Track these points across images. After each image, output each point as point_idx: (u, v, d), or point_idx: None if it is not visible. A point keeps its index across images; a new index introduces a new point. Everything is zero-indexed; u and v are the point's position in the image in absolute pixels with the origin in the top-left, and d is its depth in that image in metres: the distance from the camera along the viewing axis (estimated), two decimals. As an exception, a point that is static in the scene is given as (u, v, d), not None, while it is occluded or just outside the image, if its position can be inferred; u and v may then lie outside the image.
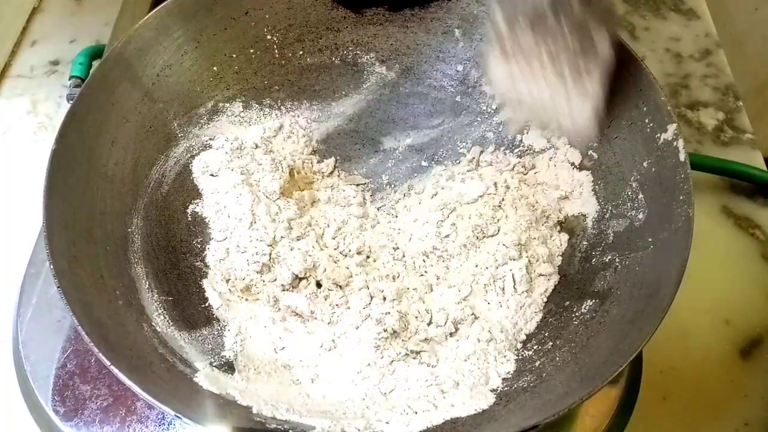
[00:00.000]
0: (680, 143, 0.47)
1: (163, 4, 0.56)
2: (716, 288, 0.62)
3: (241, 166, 0.59)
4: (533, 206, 0.56)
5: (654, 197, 0.49)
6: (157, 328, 0.49)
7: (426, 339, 0.51)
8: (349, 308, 0.53)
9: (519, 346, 0.51)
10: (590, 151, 0.55)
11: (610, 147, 0.53)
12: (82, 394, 0.53)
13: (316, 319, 0.53)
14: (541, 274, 0.53)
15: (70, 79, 0.71)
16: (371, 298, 0.53)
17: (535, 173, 0.59)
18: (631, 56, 0.51)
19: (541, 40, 0.48)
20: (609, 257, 0.51)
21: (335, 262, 0.56)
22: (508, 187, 0.57)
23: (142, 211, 0.55)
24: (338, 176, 0.62)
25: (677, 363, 0.58)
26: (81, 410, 0.52)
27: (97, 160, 0.52)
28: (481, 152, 0.61)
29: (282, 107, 0.64)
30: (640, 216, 0.50)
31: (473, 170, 0.60)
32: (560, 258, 0.54)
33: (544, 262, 0.53)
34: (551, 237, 0.55)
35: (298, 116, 0.64)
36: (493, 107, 0.62)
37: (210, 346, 0.51)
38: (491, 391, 0.47)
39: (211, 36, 0.59)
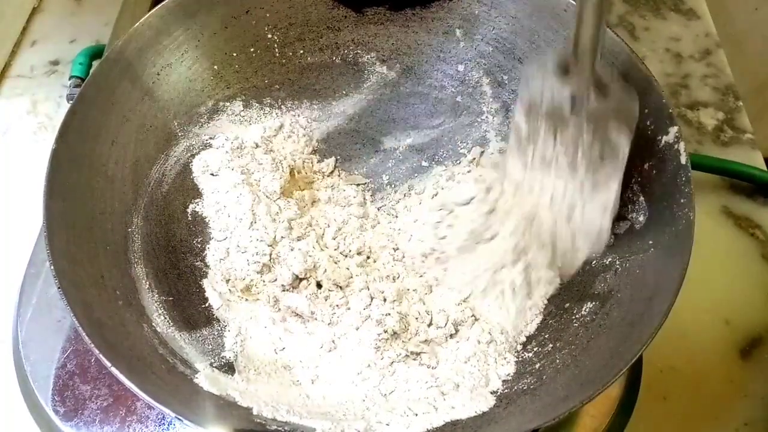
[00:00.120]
0: (681, 146, 0.47)
1: (163, 3, 0.56)
2: (716, 288, 0.62)
3: (241, 165, 0.59)
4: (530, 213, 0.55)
5: (655, 199, 0.49)
6: (158, 329, 0.49)
7: (426, 340, 0.51)
8: (349, 309, 0.53)
9: (519, 348, 0.51)
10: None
11: (610, 148, 0.53)
12: (82, 394, 0.53)
13: (316, 319, 0.53)
14: (541, 279, 0.53)
15: (70, 79, 0.71)
16: (371, 298, 0.53)
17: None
18: (632, 58, 0.51)
19: (558, 131, 0.48)
20: (609, 259, 0.51)
21: (335, 263, 0.56)
22: (502, 192, 0.56)
23: (142, 211, 0.55)
24: (338, 176, 0.62)
25: (677, 363, 0.58)
26: (81, 410, 0.52)
27: (97, 160, 0.52)
28: (482, 153, 0.61)
29: (282, 106, 0.64)
30: (641, 218, 0.50)
31: (471, 171, 0.60)
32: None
33: (544, 267, 0.53)
34: (550, 242, 0.55)
35: (299, 115, 0.64)
36: (494, 108, 0.62)
37: (210, 346, 0.51)
38: (491, 393, 0.47)
39: (211, 35, 0.59)
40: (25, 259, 0.60)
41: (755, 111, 0.82)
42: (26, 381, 0.53)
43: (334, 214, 0.59)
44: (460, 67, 0.62)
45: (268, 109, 0.63)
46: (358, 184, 0.61)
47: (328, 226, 0.58)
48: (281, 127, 0.63)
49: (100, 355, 0.40)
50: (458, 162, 0.62)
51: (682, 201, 0.46)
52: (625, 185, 0.51)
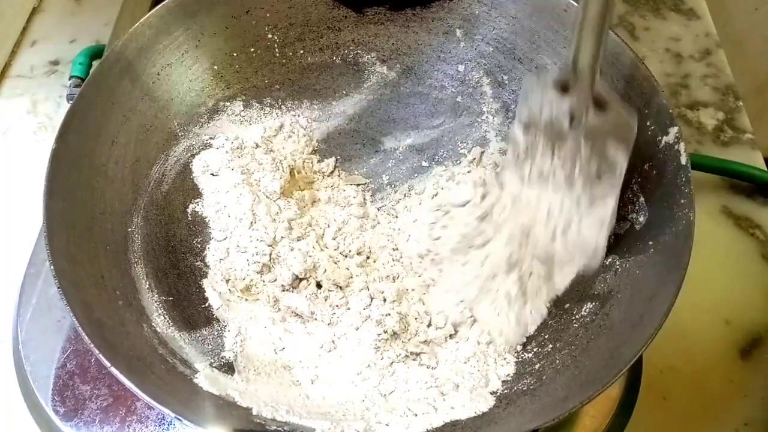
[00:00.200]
0: (682, 146, 0.47)
1: (163, 3, 0.56)
2: (716, 288, 0.62)
3: (241, 165, 0.59)
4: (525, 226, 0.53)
5: (655, 200, 0.49)
6: (157, 329, 0.49)
7: (426, 341, 0.51)
8: (349, 309, 0.53)
9: (519, 348, 0.51)
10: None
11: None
12: (82, 394, 0.53)
13: (316, 319, 0.53)
14: (540, 290, 0.51)
15: (70, 79, 0.71)
16: (371, 299, 0.53)
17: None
18: (632, 58, 0.51)
19: (556, 146, 0.49)
20: (609, 260, 0.50)
21: (335, 263, 0.56)
22: (498, 200, 0.55)
23: (142, 211, 0.55)
24: (339, 176, 0.62)
25: (677, 363, 0.58)
26: (81, 410, 0.52)
27: (97, 160, 0.52)
28: (482, 153, 0.61)
29: (282, 106, 0.64)
30: (641, 219, 0.50)
31: (471, 172, 0.60)
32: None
33: (542, 279, 0.51)
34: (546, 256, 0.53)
35: (299, 115, 0.64)
36: (495, 108, 0.62)
37: (210, 346, 0.51)
38: (491, 393, 0.47)
39: (211, 35, 0.59)
40: (25, 259, 0.60)
41: (755, 111, 0.82)
42: (26, 381, 0.53)
43: (334, 214, 0.59)
44: (461, 68, 0.62)
45: (268, 109, 0.63)
46: (358, 184, 0.61)
47: (328, 226, 0.58)
48: (281, 127, 0.63)
49: (100, 355, 0.40)
50: (458, 162, 0.62)
51: (682, 201, 0.46)
52: (625, 185, 0.51)
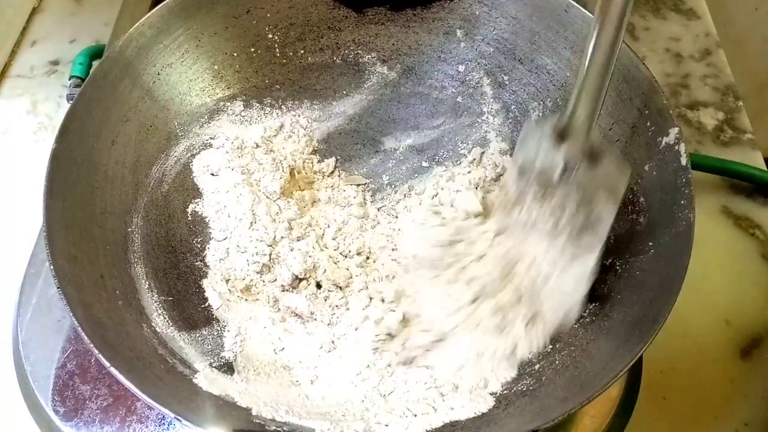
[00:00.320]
0: (682, 147, 0.47)
1: (164, 3, 0.56)
2: (716, 288, 0.62)
3: (241, 165, 0.59)
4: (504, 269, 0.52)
5: (655, 201, 0.49)
6: (157, 329, 0.49)
7: (420, 345, 0.51)
8: (348, 309, 0.53)
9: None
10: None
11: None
12: (82, 394, 0.52)
13: (315, 320, 0.53)
14: (518, 340, 0.49)
15: (70, 79, 0.71)
16: (370, 299, 0.53)
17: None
18: (633, 58, 0.51)
19: (546, 195, 0.49)
20: (609, 261, 0.50)
21: (335, 263, 0.56)
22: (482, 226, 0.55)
23: (142, 211, 0.55)
24: (339, 176, 0.62)
25: (677, 363, 0.58)
26: (81, 410, 0.52)
27: (97, 160, 0.52)
28: (482, 153, 0.61)
29: (283, 106, 0.64)
30: (641, 220, 0.50)
31: (471, 172, 0.60)
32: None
33: (521, 326, 0.49)
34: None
35: (299, 116, 0.64)
36: (495, 108, 0.62)
37: (209, 346, 0.51)
38: (490, 394, 0.47)
39: (212, 34, 0.59)
40: (25, 259, 0.60)
41: (755, 111, 0.82)
42: (26, 381, 0.53)
43: (334, 215, 0.59)
44: (461, 68, 0.62)
45: (268, 109, 0.63)
46: (358, 185, 0.61)
47: (328, 226, 0.58)
48: (282, 127, 0.63)
49: (100, 355, 0.40)
50: (458, 162, 0.62)
51: (682, 202, 0.46)
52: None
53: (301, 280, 0.54)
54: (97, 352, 0.40)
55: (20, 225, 0.65)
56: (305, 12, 0.62)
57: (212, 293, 0.53)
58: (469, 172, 0.60)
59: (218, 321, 0.52)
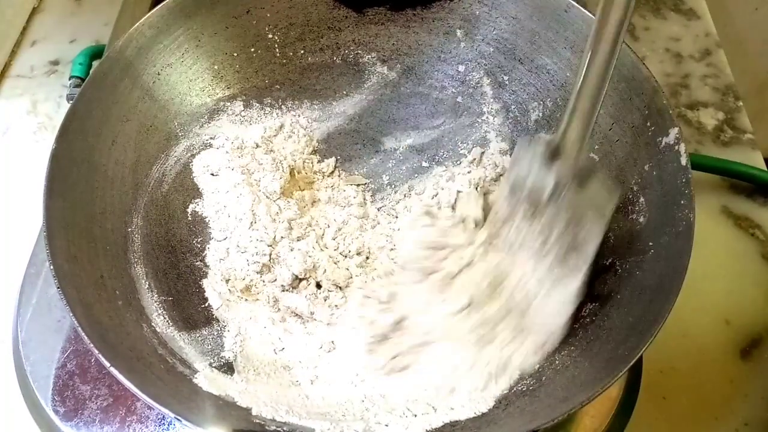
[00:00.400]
0: (682, 147, 0.47)
1: (164, 3, 0.56)
2: (716, 288, 0.62)
3: (241, 165, 0.59)
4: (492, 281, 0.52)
5: (655, 201, 0.49)
6: (157, 329, 0.49)
7: (413, 345, 0.51)
8: (348, 309, 0.53)
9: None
10: (591, 154, 0.55)
11: (611, 150, 0.53)
12: (82, 394, 0.52)
13: (315, 320, 0.53)
14: (510, 360, 0.48)
15: (70, 79, 0.71)
16: (366, 299, 0.53)
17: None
18: (633, 58, 0.51)
19: (536, 215, 0.49)
20: (609, 261, 0.50)
21: (335, 263, 0.56)
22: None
23: (142, 211, 0.55)
24: (339, 176, 0.62)
25: (677, 363, 0.58)
26: (81, 410, 0.52)
27: (97, 160, 0.52)
28: (482, 153, 0.61)
29: (283, 106, 0.64)
30: (641, 220, 0.50)
31: (471, 172, 0.60)
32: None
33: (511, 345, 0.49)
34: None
35: (299, 116, 0.64)
36: (495, 108, 0.62)
37: (209, 346, 0.51)
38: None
39: (212, 34, 0.59)
40: (25, 259, 0.60)
41: (755, 111, 0.82)
42: (26, 381, 0.53)
43: (334, 215, 0.59)
44: (461, 68, 0.62)
45: (268, 109, 0.63)
46: (358, 185, 0.61)
47: (328, 226, 0.58)
48: (282, 127, 0.63)
49: (100, 356, 0.40)
50: (458, 162, 0.62)
51: (682, 203, 0.46)
52: (626, 186, 0.51)
53: (301, 280, 0.54)
54: (97, 352, 0.40)
55: (20, 225, 0.65)
56: (305, 12, 0.62)
57: (212, 293, 0.53)
58: (469, 172, 0.60)
59: (218, 321, 0.52)
